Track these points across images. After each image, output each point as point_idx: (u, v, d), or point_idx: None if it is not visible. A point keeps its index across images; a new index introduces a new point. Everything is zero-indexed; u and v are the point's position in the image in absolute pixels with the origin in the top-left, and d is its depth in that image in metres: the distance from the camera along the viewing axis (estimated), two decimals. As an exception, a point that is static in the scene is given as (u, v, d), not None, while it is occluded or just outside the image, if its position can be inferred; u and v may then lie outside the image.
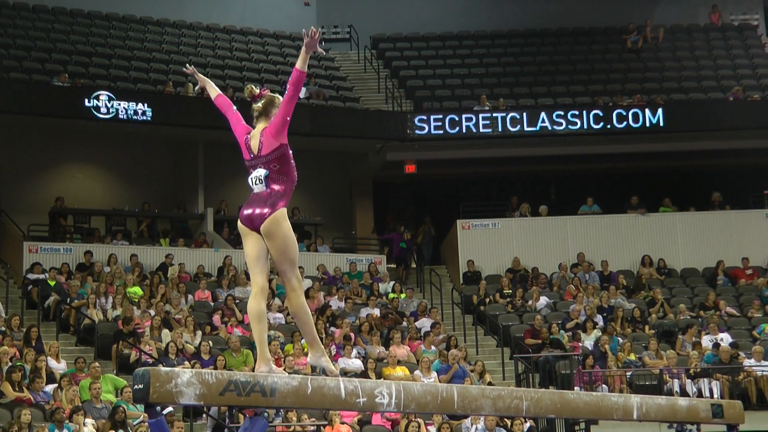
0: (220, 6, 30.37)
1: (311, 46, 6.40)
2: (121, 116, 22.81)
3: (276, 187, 6.41)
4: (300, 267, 23.04)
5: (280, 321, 20.00)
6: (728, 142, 26.01)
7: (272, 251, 6.38)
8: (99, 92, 22.79)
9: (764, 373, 18.73)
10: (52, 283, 20.24)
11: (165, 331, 18.45)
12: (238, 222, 6.51)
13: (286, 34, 30.29)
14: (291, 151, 6.56)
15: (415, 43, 30.68)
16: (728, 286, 23.56)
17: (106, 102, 22.68)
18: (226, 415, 15.11)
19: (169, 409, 13.52)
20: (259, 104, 6.56)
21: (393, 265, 25.11)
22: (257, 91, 6.61)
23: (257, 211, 6.36)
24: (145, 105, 23.06)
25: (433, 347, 19.50)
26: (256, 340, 6.43)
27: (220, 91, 6.93)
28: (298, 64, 6.41)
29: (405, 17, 31.05)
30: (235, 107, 6.77)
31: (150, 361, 16.78)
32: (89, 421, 14.40)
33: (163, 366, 14.71)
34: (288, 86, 6.45)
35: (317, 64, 28.97)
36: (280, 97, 6.60)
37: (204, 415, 16.15)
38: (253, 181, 6.45)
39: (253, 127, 6.62)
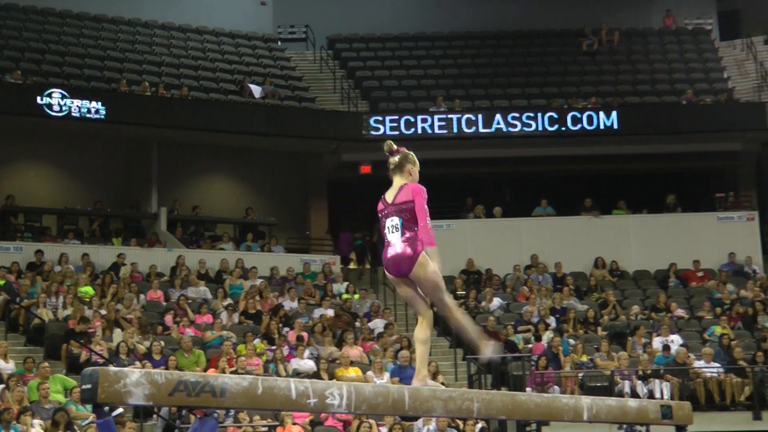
0: (175, 4, 30.22)
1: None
2: (75, 114, 22.64)
3: (410, 233, 6.81)
4: (254, 267, 22.97)
5: (233, 321, 19.95)
6: (681, 146, 26.23)
7: (423, 289, 6.88)
8: (52, 90, 22.61)
9: (713, 374, 18.91)
10: (2, 283, 20.01)
11: (117, 331, 18.32)
12: (387, 272, 6.97)
13: (242, 34, 30.18)
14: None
15: (372, 43, 30.68)
16: (679, 288, 23.74)
17: (59, 100, 22.50)
18: (177, 415, 15.04)
19: (120, 410, 13.41)
20: (396, 159, 7.00)
21: (341, 265, 25.02)
22: (395, 147, 7.03)
23: (400, 256, 6.79)
24: (99, 103, 22.91)
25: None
26: (417, 360, 6.97)
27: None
28: (427, 249, 6.80)
29: (361, 18, 31.04)
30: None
31: (100, 361, 16.65)
32: (37, 421, 14.24)
33: (114, 366, 14.59)
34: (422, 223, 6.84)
35: (273, 63, 28.92)
36: (414, 156, 7.03)
37: (155, 416, 16.05)
38: (390, 229, 6.87)
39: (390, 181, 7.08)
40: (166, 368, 16.13)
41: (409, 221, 6.82)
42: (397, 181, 6.97)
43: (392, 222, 6.84)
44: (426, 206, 6.85)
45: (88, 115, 22.76)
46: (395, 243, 6.81)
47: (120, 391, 5.48)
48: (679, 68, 29.44)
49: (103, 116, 22.93)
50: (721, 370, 19.10)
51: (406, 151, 7.02)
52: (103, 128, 23.81)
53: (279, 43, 30.92)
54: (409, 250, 6.75)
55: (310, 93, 27.56)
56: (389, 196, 6.91)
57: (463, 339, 7.28)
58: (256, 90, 26.00)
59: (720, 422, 18.30)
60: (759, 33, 30.63)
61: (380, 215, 6.94)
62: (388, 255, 6.82)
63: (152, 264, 22.28)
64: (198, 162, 26.26)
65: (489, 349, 7.12)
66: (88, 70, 25.26)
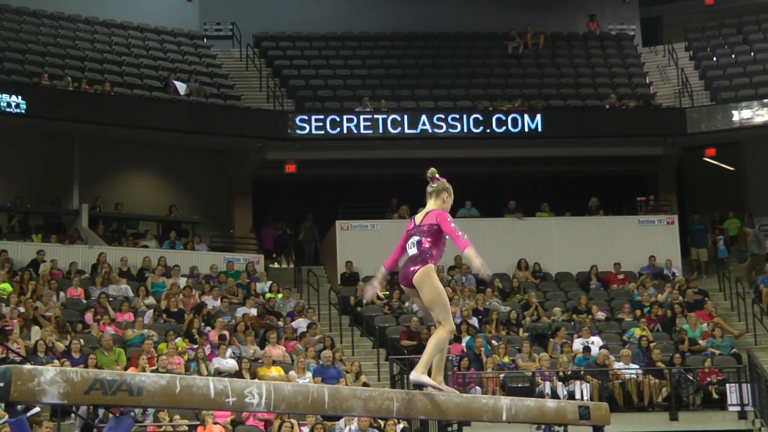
0: (100, -1, 29.83)
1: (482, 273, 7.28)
2: (-6, 108, 22.26)
3: (425, 248, 7.31)
4: (176, 265, 22.74)
5: (158, 322, 19.79)
6: (604, 149, 26.53)
7: (423, 299, 7.32)
8: (-29, 83, 22.20)
9: (632, 376, 19.15)
10: None
11: (35, 329, 18.03)
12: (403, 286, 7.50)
13: (167, 30, 29.90)
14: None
15: (298, 42, 30.59)
16: (600, 291, 24.00)
17: (-22, 93, 22.09)
18: (94, 414, 14.84)
19: (36, 409, 13.21)
20: (435, 185, 7.56)
21: (265, 262, 24.93)
22: (437, 176, 7.60)
23: (410, 268, 7.29)
24: (20, 97, 22.53)
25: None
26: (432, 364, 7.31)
27: (386, 265, 7.70)
28: (465, 252, 7.14)
29: (288, 16, 30.94)
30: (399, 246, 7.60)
31: (17, 359, 16.37)
32: (-49, 420, 13.97)
33: (31, 365, 14.36)
34: (456, 236, 7.24)
35: (199, 61, 28.71)
36: (451, 188, 7.59)
37: (73, 415, 15.83)
38: (409, 246, 7.41)
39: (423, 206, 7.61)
40: (86, 367, 15.91)
41: (425, 238, 7.33)
42: (430, 205, 7.53)
43: (412, 240, 7.39)
44: (453, 224, 7.32)
45: (7, 110, 22.38)
46: (409, 259, 7.34)
47: (34, 390, 5.39)
48: (603, 73, 29.78)
49: (23, 111, 22.56)
50: (639, 371, 19.36)
51: (445, 182, 7.58)
52: (23, 123, 23.43)
53: (205, 40, 30.68)
54: (417, 260, 7.26)
55: (235, 91, 27.40)
56: (418, 218, 7.49)
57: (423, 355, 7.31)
58: (181, 87, 25.79)
59: (638, 423, 18.56)
60: (680, 39, 31.10)
61: (406, 234, 7.46)
62: (401, 273, 7.34)
63: (73, 261, 21.98)
64: (121, 158, 25.97)
65: (415, 376, 7.22)
66: (9, 64, 24.83)
